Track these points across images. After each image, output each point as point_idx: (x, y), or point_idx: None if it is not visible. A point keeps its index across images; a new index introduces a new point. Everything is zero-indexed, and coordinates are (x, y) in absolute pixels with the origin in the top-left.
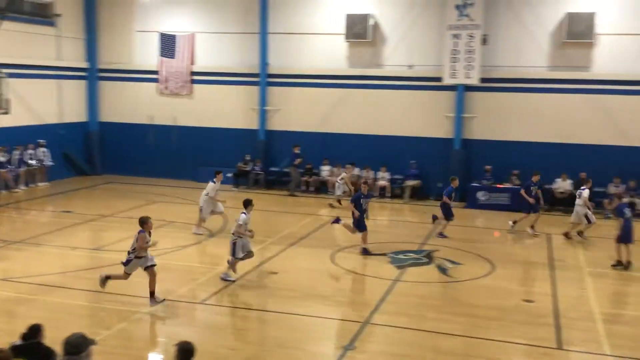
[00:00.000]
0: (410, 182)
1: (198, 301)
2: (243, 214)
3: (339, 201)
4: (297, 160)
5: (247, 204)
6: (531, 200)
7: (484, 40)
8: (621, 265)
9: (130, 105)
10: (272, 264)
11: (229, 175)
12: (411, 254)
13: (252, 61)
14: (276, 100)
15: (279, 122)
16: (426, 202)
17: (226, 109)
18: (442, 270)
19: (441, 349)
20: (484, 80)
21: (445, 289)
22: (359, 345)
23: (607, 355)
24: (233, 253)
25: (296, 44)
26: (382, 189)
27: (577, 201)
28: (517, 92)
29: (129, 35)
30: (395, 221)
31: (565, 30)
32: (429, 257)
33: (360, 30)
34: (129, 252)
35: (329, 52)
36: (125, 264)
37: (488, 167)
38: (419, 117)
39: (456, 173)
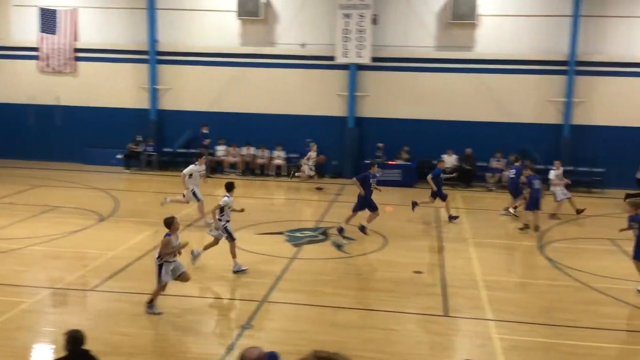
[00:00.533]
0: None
1: (89, 288)
2: (226, 197)
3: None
4: (206, 141)
5: (231, 186)
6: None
7: (374, 20)
8: (528, 228)
9: (9, 84)
10: None
11: (119, 156)
12: (307, 232)
13: (141, 38)
14: (167, 79)
15: (171, 102)
16: (322, 180)
17: (114, 88)
18: (338, 246)
19: (338, 323)
20: (375, 59)
21: (340, 265)
22: (257, 323)
23: (489, 319)
24: (232, 237)
25: (187, 20)
26: (278, 168)
27: (552, 181)
28: (406, 71)
29: (6, 10)
30: (291, 200)
31: (450, 11)
32: (325, 234)
33: (252, 7)
34: (157, 258)
35: (220, 29)
36: (158, 273)
37: (380, 144)
38: (313, 96)
39: (350, 151)
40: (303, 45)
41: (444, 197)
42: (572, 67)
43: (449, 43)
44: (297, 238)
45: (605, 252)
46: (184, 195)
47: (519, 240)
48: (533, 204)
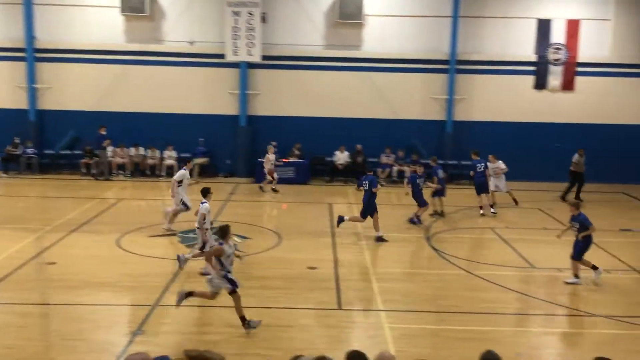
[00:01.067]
0: (199, 160)
1: None
2: (204, 203)
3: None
4: (105, 142)
5: (206, 192)
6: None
7: (263, 19)
8: (438, 214)
9: None
10: (50, 254)
11: None
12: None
13: (17, 34)
14: (47, 77)
15: (52, 101)
16: (215, 179)
17: None
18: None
19: (233, 323)
20: (265, 57)
21: (235, 264)
22: (150, 328)
23: (380, 310)
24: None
25: (67, 16)
26: (170, 168)
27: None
28: (297, 69)
29: None
30: None
31: (338, 10)
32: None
33: (136, 3)
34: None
35: (104, 25)
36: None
37: (274, 142)
38: (203, 94)
39: (243, 149)
40: (191, 42)
41: (422, 204)
42: (452, 66)
43: (337, 42)
44: (191, 239)
45: (488, 241)
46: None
47: (408, 232)
48: (439, 192)
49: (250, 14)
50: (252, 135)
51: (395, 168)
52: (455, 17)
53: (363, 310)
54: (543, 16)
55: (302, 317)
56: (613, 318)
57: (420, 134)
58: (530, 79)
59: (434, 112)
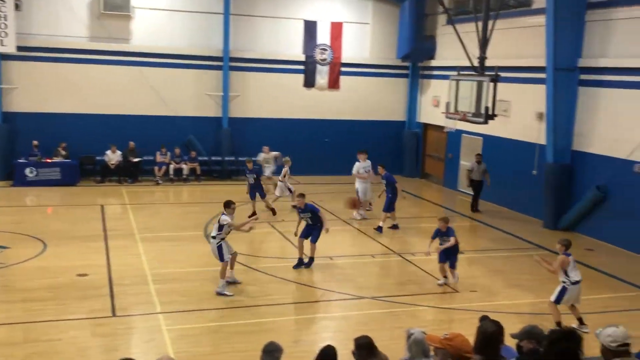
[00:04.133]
0: None
1: None
2: (224, 215)
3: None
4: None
5: (229, 204)
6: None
7: (17, 6)
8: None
9: None
10: None
11: None
12: None
13: None
14: None
15: None
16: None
17: None
18: None
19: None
20: (21, 48)
21: None
22: None
23: (158, 313)
24: (221, 258)
25: None
26: None
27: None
28: (59, 62)
29: None
30: None
31: (103, 1)
32: None
33: None
34: None
35: None
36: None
37: (35, 141)
38: None
39: (1, 150)
40: None
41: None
42: (226, 63)
43: (103, 34)
44: None
45: (265, 235)
46: None
47: (186, 231)
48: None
49: (3, 1)
50: (8, 133)
51: (172, 166)
52: (226, 15)
53: (140, 315)
54: (309, 18)
55: (71, 328)
56: (378, 299)
57: (196, 130)
58: (300, 78)
59: (210, 109)
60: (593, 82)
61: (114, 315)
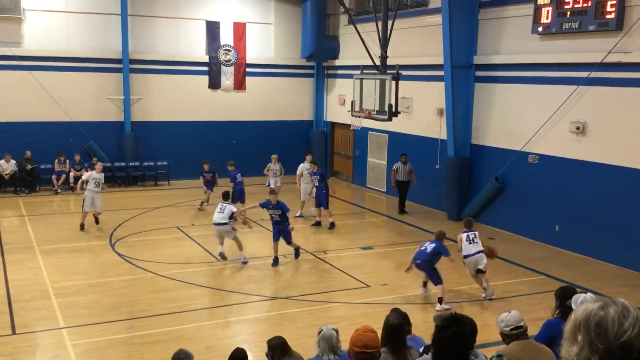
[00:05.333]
0: None
1: None
2: (228, 204)
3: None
4: None
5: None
6: None
7: None
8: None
9: None
10: None
11: None
12: None
13: None
14: None
15: None
16: None
17: None
18: None
19: None
20: None
21: None
22: None
23: (62, 328)
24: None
25: None
26: None
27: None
28: None
29: None
30: None
31: None
32: None
33: None
34: None
35: None
36: None
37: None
38: None
39: None
40: None
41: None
42: (126, 65)
43: None
44: None
45: (174, 240)
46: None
47: (89, 241)
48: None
49: None
50: None
51: (72, 174)
52: (124, 16)
53: (42, 330)
54: (211, 18)
55: None
56: (291, 298)
57: (97, 136)
58: (205, 79)
59: (111, 113)
60: (488, 78)
61: (13, 333)
